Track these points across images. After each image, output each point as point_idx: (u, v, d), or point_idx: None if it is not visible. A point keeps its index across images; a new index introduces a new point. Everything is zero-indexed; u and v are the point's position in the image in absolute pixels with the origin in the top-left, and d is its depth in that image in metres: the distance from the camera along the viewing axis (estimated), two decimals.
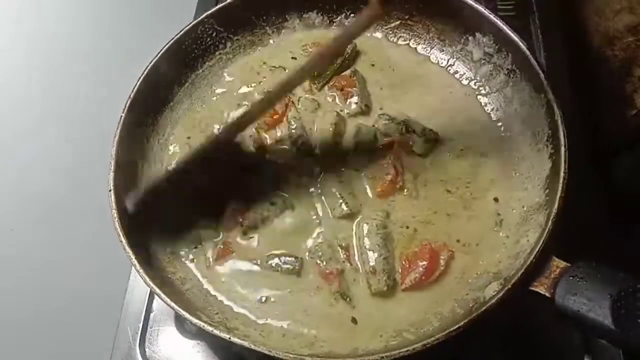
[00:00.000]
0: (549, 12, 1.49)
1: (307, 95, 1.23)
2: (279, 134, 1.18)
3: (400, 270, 1.02)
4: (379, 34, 1.32)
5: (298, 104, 1.21)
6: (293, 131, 1.16)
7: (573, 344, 1.07)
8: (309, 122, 1.18)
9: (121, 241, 0.97)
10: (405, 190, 1.09)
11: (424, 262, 1.01)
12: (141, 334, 1.13)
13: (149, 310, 1.15)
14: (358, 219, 1.07)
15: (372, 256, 1.02)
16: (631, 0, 1.31)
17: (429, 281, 1.00)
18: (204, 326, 0.89)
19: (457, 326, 0.85)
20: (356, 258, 1.04)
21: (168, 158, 1.19)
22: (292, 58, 1.29)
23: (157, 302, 1.15)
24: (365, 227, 1.05)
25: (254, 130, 1.18)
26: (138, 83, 1.14)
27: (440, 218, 1.07)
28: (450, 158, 1.13)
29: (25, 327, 1.25)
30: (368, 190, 1.10)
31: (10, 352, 1.24)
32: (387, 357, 0.84)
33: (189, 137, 1.21)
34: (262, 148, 1.17)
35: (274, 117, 1.19)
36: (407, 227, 1.06)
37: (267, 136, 1.19)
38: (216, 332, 0.89)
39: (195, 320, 0.90)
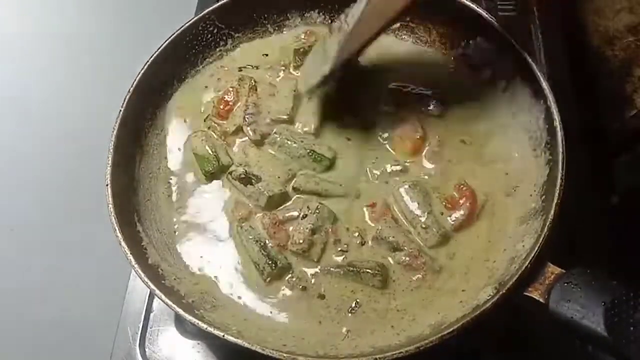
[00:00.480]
0: (549, 12, 1.49)
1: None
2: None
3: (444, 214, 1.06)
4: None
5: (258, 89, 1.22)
6: (248, 117, 1.17)
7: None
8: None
9: (117, 236, 0.97)
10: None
11: (467, 200, 1.05)
12: (141, 334, 1.13)
13: (149, 310, 1.15)
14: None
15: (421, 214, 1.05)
16: (631, 0, 1.31)
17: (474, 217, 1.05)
18: (198, 323, 0.90)
19: (451, 329, 0.86)
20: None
21: (166, 153, 1.19)
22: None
23: (157, 302, 1.15)
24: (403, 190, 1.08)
25: (212, 122, 1.19)
26: (138, 78, 1.14)
27: None
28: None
29: (26, 327, 1.25)
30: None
31: (11, 351, 1.24)
32: (380, 359, 0.85)
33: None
34: (224, 135, 1.18)
35: (226, 107, 1.20)
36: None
37: (222, 123, 1.19)
38: (210, 329, 0.89)
39: (188, 317, 0.90)
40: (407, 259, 1.01)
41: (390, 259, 1.03)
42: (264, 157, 1.15)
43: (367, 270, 1.00)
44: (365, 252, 1.04)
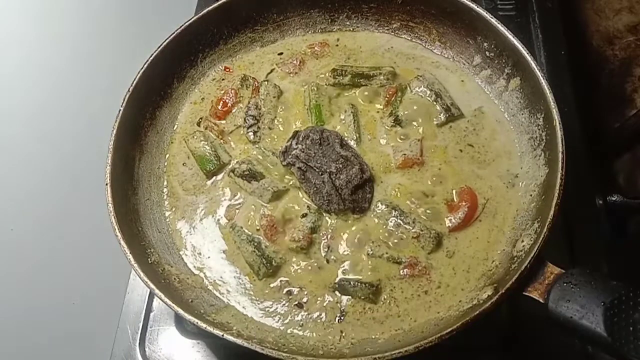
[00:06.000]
0: (549, 12, 1.49)
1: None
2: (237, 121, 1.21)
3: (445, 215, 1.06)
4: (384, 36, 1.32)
5: (261, 90, 1.22)
6: (249, 118, 1.18)
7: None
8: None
9: (117, 236, 0.97)
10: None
11: (467, 203, 1.06)
12: (141, 333, 1.13)
13: (149, 309, 1.15)
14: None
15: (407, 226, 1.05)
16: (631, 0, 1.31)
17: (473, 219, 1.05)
18: (198, 323, 0.90)
19: (450, 329, 0.86)
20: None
21: (166, 152, 1.20)
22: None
23: (157, 302, 1.15)
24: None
25: (209, 122, 1.21)
26: (137, 78, 1.14)
27: None
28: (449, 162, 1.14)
29: (26, 327, 1.25)
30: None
31: (11, 351, 1.25)
32: (380, 358, 0.85)
33: (187, 132, 1.21)
34: (222, 134, 1.19)
35: (224, 108, 1.22)
36: None
37: (219, 123, 1.21)
38: (210, 329, 0.89)
39: (188, 316, 0.90)
40: (407, 270, 1.02)
41: (390, 277, 1.02)
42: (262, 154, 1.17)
43: (358, 291, 1.01)
44: (363, 265, 1.04)
